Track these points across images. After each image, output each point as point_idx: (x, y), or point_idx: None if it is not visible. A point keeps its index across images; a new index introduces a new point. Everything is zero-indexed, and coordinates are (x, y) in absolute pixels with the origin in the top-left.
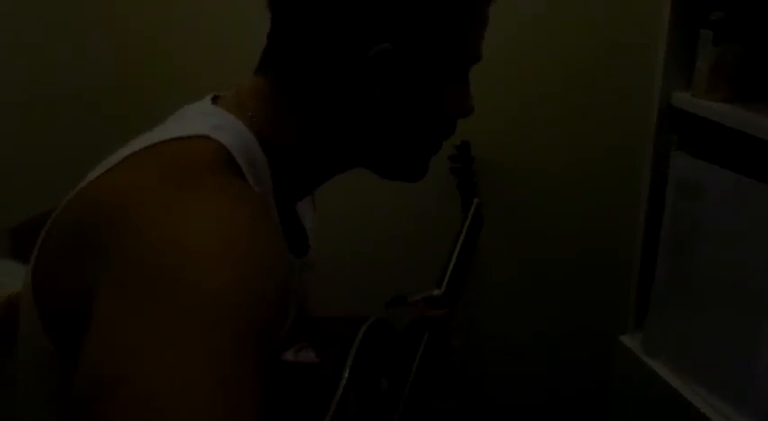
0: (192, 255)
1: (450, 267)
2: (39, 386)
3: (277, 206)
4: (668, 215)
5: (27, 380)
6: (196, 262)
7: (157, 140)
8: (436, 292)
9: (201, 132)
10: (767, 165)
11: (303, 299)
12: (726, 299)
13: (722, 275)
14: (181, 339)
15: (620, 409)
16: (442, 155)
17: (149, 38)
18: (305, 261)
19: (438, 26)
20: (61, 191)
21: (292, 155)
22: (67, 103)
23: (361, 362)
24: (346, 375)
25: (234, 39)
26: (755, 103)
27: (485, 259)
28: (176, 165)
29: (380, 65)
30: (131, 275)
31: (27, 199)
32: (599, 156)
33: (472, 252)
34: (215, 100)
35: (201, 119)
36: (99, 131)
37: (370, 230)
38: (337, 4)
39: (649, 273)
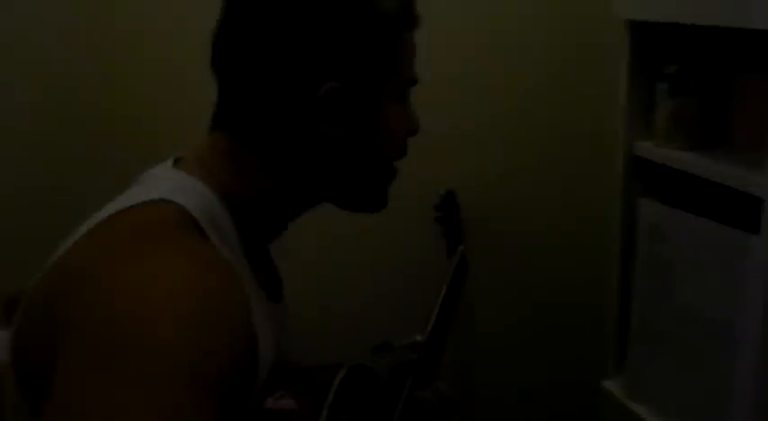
0: (143, 318)
1: (435, 313)
2: None
3: (248, 256)
4: (639, 260)
5: None
6: (147, 325)
7: (120, 208)
8: (419, 338)
9: (161, 196)
10: (726, 207)
11: (286, 342)
12: (695, 336)
13: (691, 314)
14: (131, 399)
15: None
16: (428, 204)
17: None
18: (284, 305)
19: (375, 58)
20: None
21: (255, 204)
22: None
23: (339, 407)
24: (323, 419)
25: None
26: (712, 149)
27: (471, 309)
28: (136, 232)
29: (331, 102)
30: (86, 342)
31: None
32: (575, 206)
33: (457, 298)
34: (176, 162)
35: (162, 183)
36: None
37: (357, 279)
38: (282, 52)
39: (626, 317)
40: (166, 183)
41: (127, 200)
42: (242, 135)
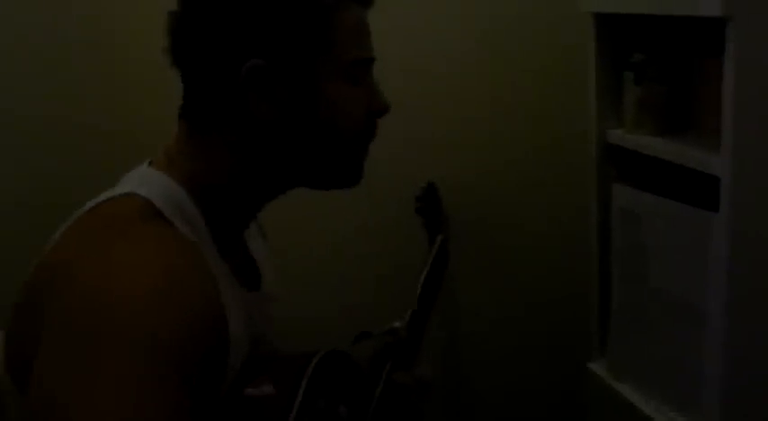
0: (111, 299)
1: (415, 301)
2: None
3: (217, 243)
4: (615, 244)
5: None
6: (114, 305)
7: (95, 203)
8: (397, 324)
9: (128, 190)
10: (694, 189)
11: (266, 331)
12: (669, 317)
13: (664, 295)
14: (98, 373)
15: None
16: (410, 196)
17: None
18: (263, 294)
19: (300, 36)
20: None
21: (219, 189)
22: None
23: (315, 389)
24: (298, 401)
25: None
26: (679, 134)
27: (455, 298)
28: (104, 223)
29: (257, 80)
30: (56, 331)
31: None
32: (554, 195)
33: (437, 286)
34: (151, 163)
35: (132, 180)
36: None
37: (342, 271)
38: (208, 36)
39: (608, 301)
40: (135, 179)
41: (100, 197)
42: (194, 121)
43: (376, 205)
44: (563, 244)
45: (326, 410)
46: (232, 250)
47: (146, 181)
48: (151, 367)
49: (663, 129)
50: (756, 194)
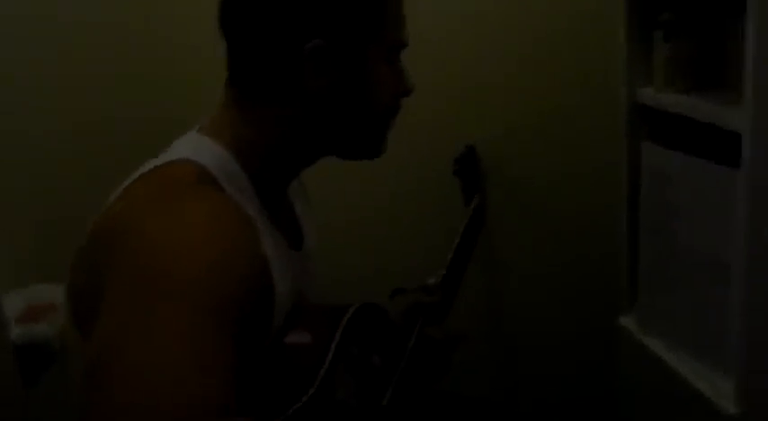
0: (164, 251)
1: (450, 258)
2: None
3: (265, 205)
4: (644, 202)
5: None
6: (168, 256)
7: (148, 169)
8: (432, 281)
9: (182, 156)
10: (723, 148)
11: (308, 288)
12: (695, 272)
13: (693, 251)
14: (158, 318)
15: (625, 385)
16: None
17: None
18: (306, 252)
19: (358, 20)
20: None
21: (264, 155)
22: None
23: (349, 339)
24: (332, 350)
25: None
26: (708, 91)
27: (491, 256)
28: (161, 185)
29: (316, 59)
30: (122, 276)
31: None
32: (584, 154)
33: (472, 245)
34: (199, 129)
35: (184, 146)
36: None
37: (380, 229)
38: (271, 14)
39: (636, 257)
40: (187, 145)
41: (155, 161)
42: (246, 89)
43: (416, 167)
44: (593, 202)
45: (360, 359)
46: (276, 211)
47: (198, 147)
48: (206, 314)
49: (692, 86)
50: None
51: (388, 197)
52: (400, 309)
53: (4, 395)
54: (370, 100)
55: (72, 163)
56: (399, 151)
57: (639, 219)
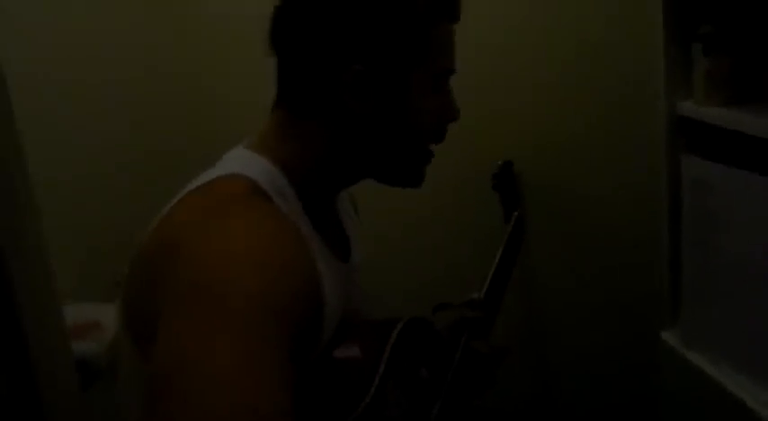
0: (225, 267)
1: (491, 273)
2: (134, 397)
3: (312, 220)
4: (686, 214)
5: (127, 396)
6: (232, 273)
7: (201, 183)
8: (476, 296)
9: (234, 171)
10: (762, 161)
11: (355, 299)
12: (743, 285)
13: (737, 264)
14: (220, 334)
15: (669, 402)
16: (486, 174)
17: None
18: (353, 265)
19: (398, 46)
20: None
21: (311, 172)
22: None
23: (399, 353)
24: (384, 364)
25: None
26: (748, 104)
27: (532, 270)
28: (215, 200)
29: (357, 83)
30: (181, 290)
31: None
32: (623, 168)
33: (513, 260)
34: (247, 145)
35: (234, 161)
36: None
37: (421, 244)
38: (315, 35)
39: (679, 270)
40: (238, 161)
41: (206, 176)
42: (293, 106)
43: (456, 182)
44: (634, 215)
45: (409, 372)
46: (324, 225)
47: (247, 163)
48: (266, 331)
49: (732, 100)
50: None
51: (428, 212)
52: (445, 323)
53: (64, 407)
54: (411, 125)
55: (113, 180)
56: (438, 166)
57: (682, 231)
